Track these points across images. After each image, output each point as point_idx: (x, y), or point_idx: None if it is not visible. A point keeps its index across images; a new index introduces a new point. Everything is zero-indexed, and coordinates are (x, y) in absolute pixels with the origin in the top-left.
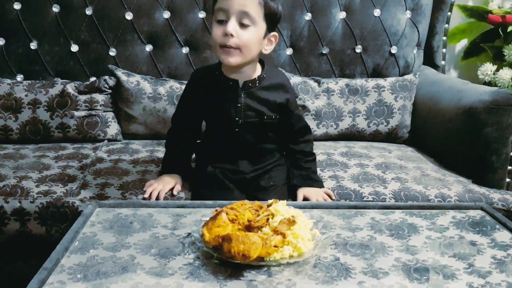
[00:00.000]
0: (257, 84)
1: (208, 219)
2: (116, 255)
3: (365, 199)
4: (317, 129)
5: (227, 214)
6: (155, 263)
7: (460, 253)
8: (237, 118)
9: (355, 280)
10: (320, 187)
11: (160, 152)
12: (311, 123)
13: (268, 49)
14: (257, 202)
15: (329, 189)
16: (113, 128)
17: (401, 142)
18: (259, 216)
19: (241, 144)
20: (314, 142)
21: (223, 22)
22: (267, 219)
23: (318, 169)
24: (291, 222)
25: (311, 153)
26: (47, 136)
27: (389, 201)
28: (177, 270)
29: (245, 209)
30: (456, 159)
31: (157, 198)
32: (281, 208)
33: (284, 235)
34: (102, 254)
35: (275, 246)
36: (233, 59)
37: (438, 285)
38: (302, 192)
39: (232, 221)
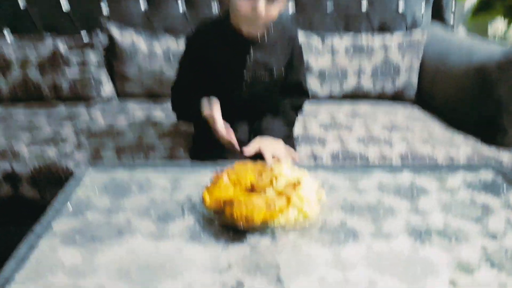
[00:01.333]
0: (266, 38)
1: (208, 181)
2: (111, 219)
3: (371, 161)
4: (321, 89)
5: (228, 176)
6: (153, 227)
7: (472, 215)
8: (245, 77)
9: (363, 244)
10: (283, 143)
11: (158, 113)
12: (314, 82)
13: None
14: (259, 163)
15: (296, 151)
16: (108, 88)
17: (407, 102)
18: (262, 178)
19: (246, 109)
20: (318, 103)
21: None
22: (271, 181)
23: (321, 130)
24: (296, 184)
25: (292, 112)
26: (39, 96)
27: (395, 163)
28: (177, 234)
29: (247, 171)
30: (465, 119)
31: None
32: (285, 169)
33: (289, 198)
34: (96, 217)
35: (279, 210)
36: (257, 32)
37: (449, 249)
38: (258, 141)
39: (234, 183)
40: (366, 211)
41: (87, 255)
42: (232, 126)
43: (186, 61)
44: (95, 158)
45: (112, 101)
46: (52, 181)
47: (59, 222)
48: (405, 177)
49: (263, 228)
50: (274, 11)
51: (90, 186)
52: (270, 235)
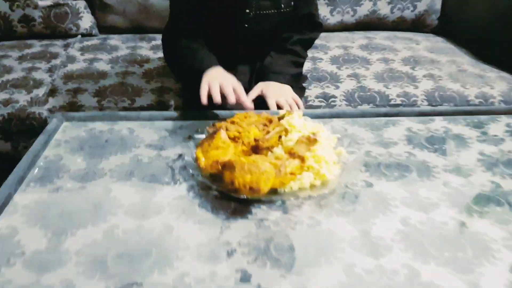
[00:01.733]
0: None
1: (203, 137)
2: (86, 187)
3: (392, 102)
4: (331, 17)
5: (227, 130)
6: (136, 198)
7: None
8: (247, 10)
9: (397, 216)
10: (291, 89)
11: (144, 48)
12: (324, 10)
13: None
14: (264, 114)
15: (303, 102)
16: (87, 20)
17: (428, 31)
18: (269, 134)
19: (246, 45)
20: (328, 33)
21: None
22: (279, 137)
23: (333, 66)
24: (311, 140)
25: (302, 50)
26: (9, 32)
27: (421, 104)
28: (165, 207)
29: (250, 123)
30: (498, 50)
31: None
32: (296, 121)
33: (302, 159)
34: (68, 186)
35: (291, 174)
36: None
37: (504, 220)
38: (260, 86)
39: (234, 139)
40: (395, 170)
41: (53, 241)
42: (230, 69)
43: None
44: (72, 105)
45: (92, 36)
46: (24, 131)
47: (22, 195)
48: (438, 125)
49: (272, 198)
50: None
51: (62, 144)
52: (281, 206)
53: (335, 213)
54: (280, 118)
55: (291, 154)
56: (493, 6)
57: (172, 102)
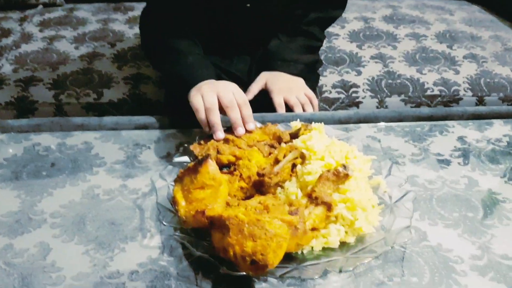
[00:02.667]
0: None
1: (187, 159)
2: (14, 247)
3: (428, 92)
4: None
5: (219, 154)
6: (86, 265)
7: None
8: (247, 4)
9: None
10: (303, 82)
11: (118, 22)
12: None
13: None
14: (270, 127)
15: (315, 93)
16: None
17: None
18: (279, 164)
19: (246, 29)
20: None
21: None
22: (293, 166)
23: (353, 44)
24: (340, 176)
25: (320, 32)
26: None
27: (464, 95)
28: (127, 282)
29: (250, 143)
30: None
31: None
32: (316, 142)
33: (329, 206)
34: None
35: (312, 229)
36: None
37: None
38: (264, 77)
39: (229, 168)
40: (456, 208)
41: None
42: (227, 59)
43: None
44: (21, 101)
45: (56, 6)
46: None
47: None
48: (498, 132)
49: (284, 269)
50: None
51: None
52: (298, 281)
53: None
54: (293, 134)
55: (312, 198)
56: None
57: (150, 96)
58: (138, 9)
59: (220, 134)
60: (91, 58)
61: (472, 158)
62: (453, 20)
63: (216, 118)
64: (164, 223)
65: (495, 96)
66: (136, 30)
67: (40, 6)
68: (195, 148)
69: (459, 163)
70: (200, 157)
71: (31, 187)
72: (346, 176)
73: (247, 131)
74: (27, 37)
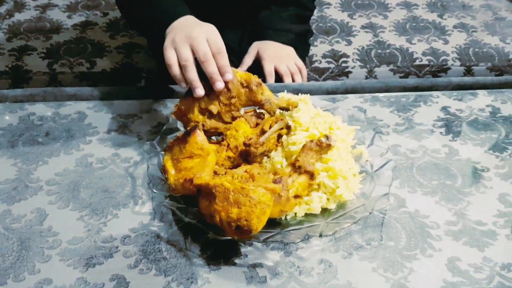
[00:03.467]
0: None
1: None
2: (12, 212)
3: (417, 61)
4: None
5: (205, 124)
6: (80, 229)
7: None
8: None
9: (442, 255)
10: (294, 51)
11: None
12: None
13: None
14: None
15: (304, 63)
16: None
17: None
18: (265, 134)
19: (237, 2)
20: None
21: None
22: (279, 136)
23: (344, 13)
24: (323, 146)
25: (307, 2)
26: None
27: (452, 65)
28: (119, 246)
29: (236, 112)
30: None
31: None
32: (301, 114)
33: (311, 174)
34: None
35: (295, 197)
36: None
37: None
38: (256, 47)
39: (215, 138)
40: (435, 176)
41: None
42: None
43: None
44: (16, 70)
45: None
46: None
47: None
48: (482, 102)
49: (269, 234)
50: None
51: None
52: (281, 244)
53: (356, 253)
54: (281, 108)
55: (296, 167)
56: None
57: (143, 64)
58: None
59: (199, 91)
60: (84, 27)
61: (454, 128)
62: None
63: (192, 75)
64: (155, 190)
65: (483, 66)
66: None
67: None
68: (175, 113)
69: (441, 133)
70: (188, 128)
71: (27, 155)
72: (329, 146)
73: (226, 82)
74: (19, 6)
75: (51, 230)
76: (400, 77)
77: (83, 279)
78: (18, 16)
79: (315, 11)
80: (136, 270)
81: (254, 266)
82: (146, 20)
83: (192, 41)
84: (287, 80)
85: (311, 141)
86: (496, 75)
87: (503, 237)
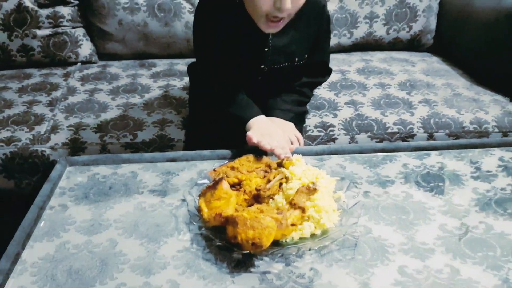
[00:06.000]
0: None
1: (206, 181)
2: (92, 241)
3: (389, 130)
4: None
5: (228, 179)
6: (142, 251)
7: None
8: (262, 66)
9: (395, 264)
10: (294, 126)
11: (144, 77)
12: None
13: None
14: (265, 159)
15: (301, 134)
16: (86, 48)
17: (424, 50)
18: (270, 183)
19: (259, 93)
20: None
21: None
22: (280, 184)
23: (331, 92)
24: (310, 190)
25: (310, 92)
26: (8, 61)
27: (417, 132)
28: (170, 261)
29: (250, 169)
30: (492, 71)
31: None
32: (296, 168)
33: (303, 209)
34: (75, 240)
35: (292, 225)
36: (277, 29)
37: (499, 266)
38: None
39: (236, 187)
40: (394, 213)
41: None
42: None
43: (199, 41)
44: (74, 141)
45: (92, 64)
46: (27, 169)
47: (30, 252)
48: (433, 160)
49: (274, 251)
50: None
51: (67, 192)
52: (283, 257)
53: (335, 263)
54: (279, 163)
55: (292, 204)
56: (486, 30)
57: (174, 136)
58: (159, 65)
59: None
60: (126, 107)
61: (410, 179)
62: (414, 71)
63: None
64: (194, 223)
65: (442, 132)
66: (159, 83)
67: (79, 64)
68: (212, 173)
69: (401, 183)
70: (216, 179)
71: (97, 203)
72: (315, 190)
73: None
74: (72, 90)
75: (121, 252)
76: (376, 142)
77: (147, 283)
78: (72, 99)
79: None
80: (184, 276)
81: (264, 272)
82: (229, 113)
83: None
84: (280, 150)
85: (303, 186)
86: (453, 139)
87: (439, 252)
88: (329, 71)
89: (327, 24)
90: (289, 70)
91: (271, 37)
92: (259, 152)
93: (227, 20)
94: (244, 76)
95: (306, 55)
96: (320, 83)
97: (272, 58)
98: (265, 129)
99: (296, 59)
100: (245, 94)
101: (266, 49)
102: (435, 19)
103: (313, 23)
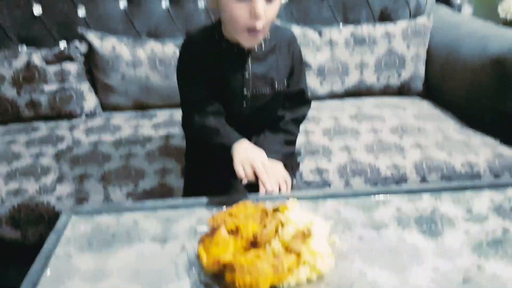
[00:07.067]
0: (263, 47)
1: (204, 228)
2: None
3: (382, 174)
4: (321, 87)
5: (226, 226)
6: None
7: (509, 254)
8: (245, 93)
9: None
10: (282, 166)
11: (146, 127)
12: (314, 80)
13: None
14: (261, 205)
15: (293, 177)
16: (91, 101)
17: (414, 95)
18: (266, 228)
19: (247, 125)
20: (319, 102)
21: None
22: (276, 229)
23: (325, 138)
24: (305, 235)
25: (295, 128)
26: (16, 115)
27: (410, 175)
28: None
29: (247, 216)
30: (481, 115)
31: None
32: (291, 214)
33: (298, 254)
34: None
35: (288, 270)
36: (258, 41)
37: None
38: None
39: (233, 233)
40: (387, 255)
41: None
42: None
43: (183, 78)
44: (79, 191)
45: (96, 116)
46: (33, 220)
47: None
48: (426, 203)
49: None
50: (274, 10)
51: (72, 241)
52: None
53: None
54: (275, 210)
55: (288, 249)
56: (473, 76)
57: (174, 184)
58: (160, 116)
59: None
60: (128, 157)
61: (403, 222)
62: (405, 116)
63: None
64: (194, 269)
65: (434, 175)
66: (160, 132)
67: (84, 116)
68: (210, 220)
69: (393, 226)
70: (215, 226)
71: (100, 251)
72: (309, 234)
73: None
74: (77, 142)
75: None
76: (370, 186)
77: None
78: (77, 150)
79: (304, 138)
80: None
81: None
82: (214, 144)
83: (254, 166)
84: (275, 187)
85: (298, 231)
86: (446, 182)
87: None
88: (308, 101)
89: (299, 54)
90: (272, 97)
91: (250, 64)
92: (251, 185)
93: (209, 53)
94: (230, 105)
95: (285, 83)
96: (303, 117)
97: (254, 83)
98: (249, 154)
99: (276, 85)
100: (231, 127)
101: (247, 76)
102: (424, 65)
103: (287, 54)
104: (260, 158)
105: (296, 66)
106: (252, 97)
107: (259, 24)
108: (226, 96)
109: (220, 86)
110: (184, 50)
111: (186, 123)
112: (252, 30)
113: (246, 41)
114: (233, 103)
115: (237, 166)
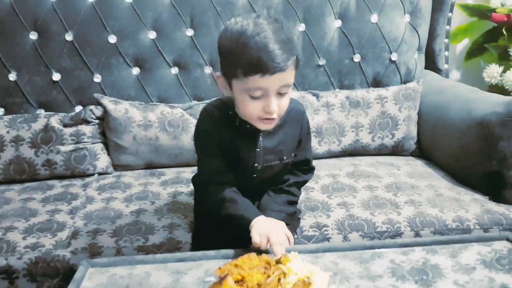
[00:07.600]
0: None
1: (212, 279)
2: None
3: (378, 229)
4: (319, 147)
5: (232, 274)
6: None
7: None
8: (256, 164)
9: None
10: (284, 225)
11: (155, 185)
12: (312, 140)
13: None
14: (264, 257)
15: (295, 233)
16: (103, 161)
17: (408, 154)
18: (270, 278)
19: (255, 190)
20: (317, 161)
21: (259, 97)
22: (279, 279)
23: (324, 195)
24: (306, 284)
25: (298, 191)
26: (33, 174)
27: (404, 230)
28: None
29: (252, 266)
30: (470, 173)
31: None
32: (293, 265)
33: None
34: None
35: None
36: (272, 126)
37: None
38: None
39: (239, 282)
40: None
41: None
42: None
43: (201, 150)
44: (92, 246)
45: (108, 175)
46: (49, 273)
47: None
48: (418, 256)
49: None
50: (286, 102)
51: None
52: None
53: None
54: (278, 261)
55: None
56: (461, 137)
57: (181, 238)
58: (168, 174)
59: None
60: (138, 213)
61: (397, 273)
62: (399, 174)
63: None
64: None
65: (427, 230)
66: (168, 190)
67: (96, 175)
68: (217, 271)
69: (388, 277)
70: (222, 276)
71: None
72: (309, 284)
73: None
74: (90, 199)
75: None
76: (367, 240)
77: None
78: (90, 207)
79: (304, 194)
80: None
81: None
82: (232, 216)
83: (270, 239)
84: (279, 247)
85: (299, 281)
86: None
87: None
88: (312, 168)
89: (307, 127)
90: (279, 167)
91: (261, 139)
92: (259, 251)
93: (224, 126)
94: (241, 174)
95: (293, 154)
96: (305, 182)
97: (264, 157)
98: (267, 227)
99: (285, 157)
100: (241, 193)
101: (258, 149)
102: (415, 127)
103: (296, 127)
104: (276, 232)
105: (303, 137)
106: (262, 168)
107: (274, 116)
108: (237, 167)
109: (233, 159)
110: (202, 123)
111: (201, 188)
112: (266, 119)
113: (260, 126)
114: (244, 174)
115: (255, 234)
